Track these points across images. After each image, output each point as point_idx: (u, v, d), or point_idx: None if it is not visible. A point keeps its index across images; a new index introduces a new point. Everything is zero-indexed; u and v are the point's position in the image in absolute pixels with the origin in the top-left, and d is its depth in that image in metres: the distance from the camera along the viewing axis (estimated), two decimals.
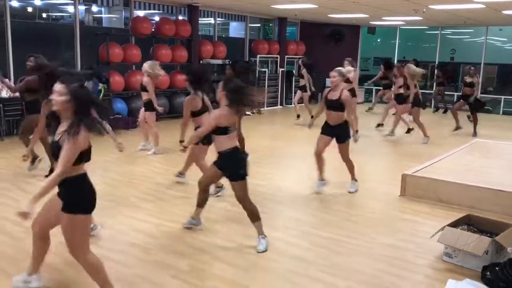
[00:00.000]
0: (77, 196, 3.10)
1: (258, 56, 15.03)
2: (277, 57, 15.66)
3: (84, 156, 3.06)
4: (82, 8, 16.03)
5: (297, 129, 11.45)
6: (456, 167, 6.86)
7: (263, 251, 4.30)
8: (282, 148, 9.16)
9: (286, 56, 16.08)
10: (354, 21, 16.30)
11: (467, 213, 4.74)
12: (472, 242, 3.98)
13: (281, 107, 15.47)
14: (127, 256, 4.16)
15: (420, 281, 3.88)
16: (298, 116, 12.13)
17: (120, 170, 7.08)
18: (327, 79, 16.07)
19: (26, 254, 3.78)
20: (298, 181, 6.79)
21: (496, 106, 16.87)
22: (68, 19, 17.29)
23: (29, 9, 16.86)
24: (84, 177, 3.14)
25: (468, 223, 4.52)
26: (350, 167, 6.24)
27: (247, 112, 8.18)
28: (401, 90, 10.03)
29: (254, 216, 4.38)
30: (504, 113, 16.28)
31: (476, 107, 11.11)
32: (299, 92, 12.35)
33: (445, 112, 15.13)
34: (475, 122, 11.11)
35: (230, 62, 9.33)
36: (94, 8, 17.64)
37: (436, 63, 17.16)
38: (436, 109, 15.70)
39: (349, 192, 6.23)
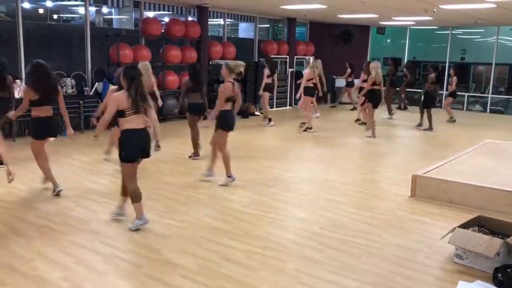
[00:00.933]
0: None
1: None
2: (286, 58, 15.65)
3: None
4: (92, 9, 16.14)
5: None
6: (467, 168, 6.80)
7: (134, 230, 4.64)
8: (290, 149, 9.14)
9: (296, 57, 16.06)
10: (364, 21, 16.23)
11: (478, 214, 4.70)
12: (483, 243, 3.94)
13: (290, 107, 15.45)
14: (136, 255, 4.18)
15: (430, 283, 3.85)
16: (270, 120, 11.73)
17: None
18: (336, 79, 16.15)
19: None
20: (307, 181, 6.78)
21: (507, 106, 16.70)
22: (78, 20, 17.44)
23: (41, 11, 17.02)
24: None
25: (479, 224, 4.48)
26: (223, 159, 6.35)
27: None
28: (364, 85, 10.94)
29: (133, 197, 4.69)
30: None
31: (426, 103, 11.54)
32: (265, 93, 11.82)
33: (401, 108, 15.45)
34: (427, 117, 11.50)
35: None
36: (105, 10, 17.78)
37: (447, 63, 17.03)
38: (399, 106, 15.63)
39: (219, 184, 6.28)
